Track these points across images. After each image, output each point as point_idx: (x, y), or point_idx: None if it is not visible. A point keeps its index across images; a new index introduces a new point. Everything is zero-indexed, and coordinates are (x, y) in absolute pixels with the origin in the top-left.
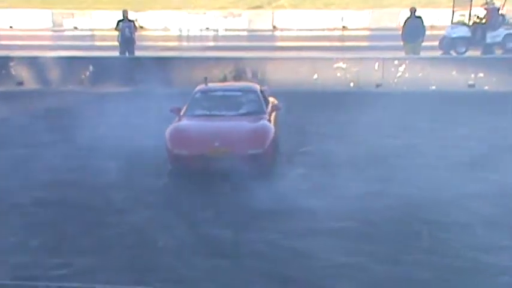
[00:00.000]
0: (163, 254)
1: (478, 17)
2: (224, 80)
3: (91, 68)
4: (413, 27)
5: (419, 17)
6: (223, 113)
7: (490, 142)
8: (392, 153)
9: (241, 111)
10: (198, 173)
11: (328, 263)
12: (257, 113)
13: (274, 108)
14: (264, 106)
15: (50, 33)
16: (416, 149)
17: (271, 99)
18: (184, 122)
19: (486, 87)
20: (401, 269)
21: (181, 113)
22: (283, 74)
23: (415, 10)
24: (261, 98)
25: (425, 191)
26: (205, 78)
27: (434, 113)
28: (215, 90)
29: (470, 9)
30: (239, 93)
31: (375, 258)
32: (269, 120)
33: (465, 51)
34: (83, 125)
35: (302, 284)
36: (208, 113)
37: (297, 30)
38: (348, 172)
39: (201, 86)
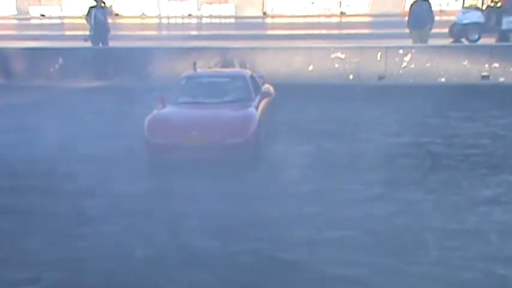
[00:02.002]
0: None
1: (492, 0)
2: None
3: (60, 60)
4: (420, 12)
5: (427, 1)
6: (208, 100)
7: (506, 140)
8: (397, 153)
9: (227, 98)
10: (175, 163)
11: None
12: (244, 100)
13: (265, 95)
14: (252, 93)
15: (14, 21)
16: (424, 148)
17: (267, 86)
18: (165, 110)
19: (502, 79)
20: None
21: (165, 100)
22: (275, 65)
23: None
24: (250, 85)
25: (433, 195)
26: (194, 64)
27: (443, 108)
28: (202, 77)
29: None
30: (227, 80)
31: (374, 269)
32: (257, 108)
33: (478, 39)
34: (49, 124)
35: None
36: (192, 100)
37: (290, 17)
38: (347, 175)
39: (188, 72)
